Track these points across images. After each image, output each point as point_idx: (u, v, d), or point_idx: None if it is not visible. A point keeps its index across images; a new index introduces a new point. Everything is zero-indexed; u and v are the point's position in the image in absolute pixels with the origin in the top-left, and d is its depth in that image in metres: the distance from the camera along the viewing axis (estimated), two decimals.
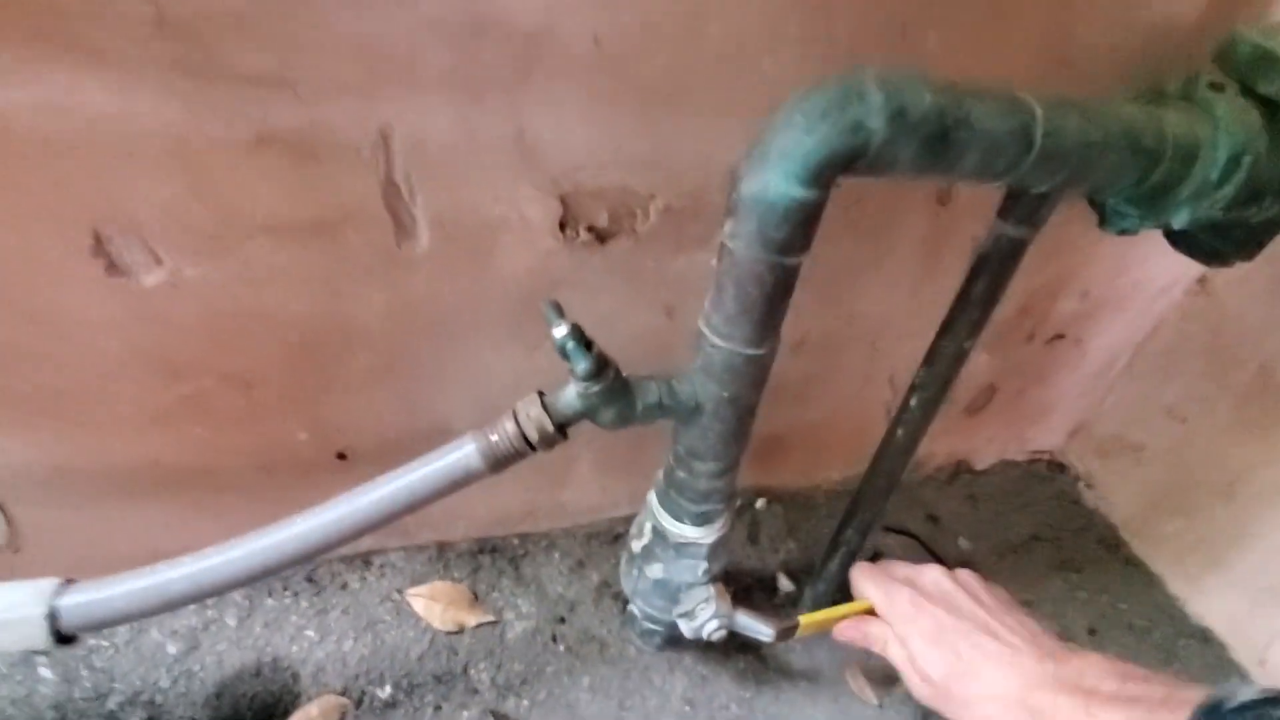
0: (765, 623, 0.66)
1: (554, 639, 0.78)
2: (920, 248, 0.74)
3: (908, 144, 0.43)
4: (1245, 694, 0.35)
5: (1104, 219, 0.59)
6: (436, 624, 0.75)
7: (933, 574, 0.55)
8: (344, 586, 0.77)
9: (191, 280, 0.54)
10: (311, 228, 0.54)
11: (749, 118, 0.44)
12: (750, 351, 0.51)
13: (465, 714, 0.70)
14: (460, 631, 0.76)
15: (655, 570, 0.65)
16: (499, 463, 0.51)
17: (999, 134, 0.45)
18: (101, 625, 0.56)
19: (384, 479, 0.51)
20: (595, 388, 0.49)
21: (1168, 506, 0.98)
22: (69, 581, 0.49)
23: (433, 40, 0.48)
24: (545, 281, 0.62)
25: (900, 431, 0.67)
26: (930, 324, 0.65)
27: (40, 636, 0.47)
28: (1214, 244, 0.62)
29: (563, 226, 0.60)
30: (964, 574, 0.55)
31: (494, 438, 0.51)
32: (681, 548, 0.63)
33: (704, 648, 0.80)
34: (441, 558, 0.81)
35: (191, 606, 0.71)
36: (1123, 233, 0.58)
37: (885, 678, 0.80)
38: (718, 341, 0.51)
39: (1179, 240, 0.65)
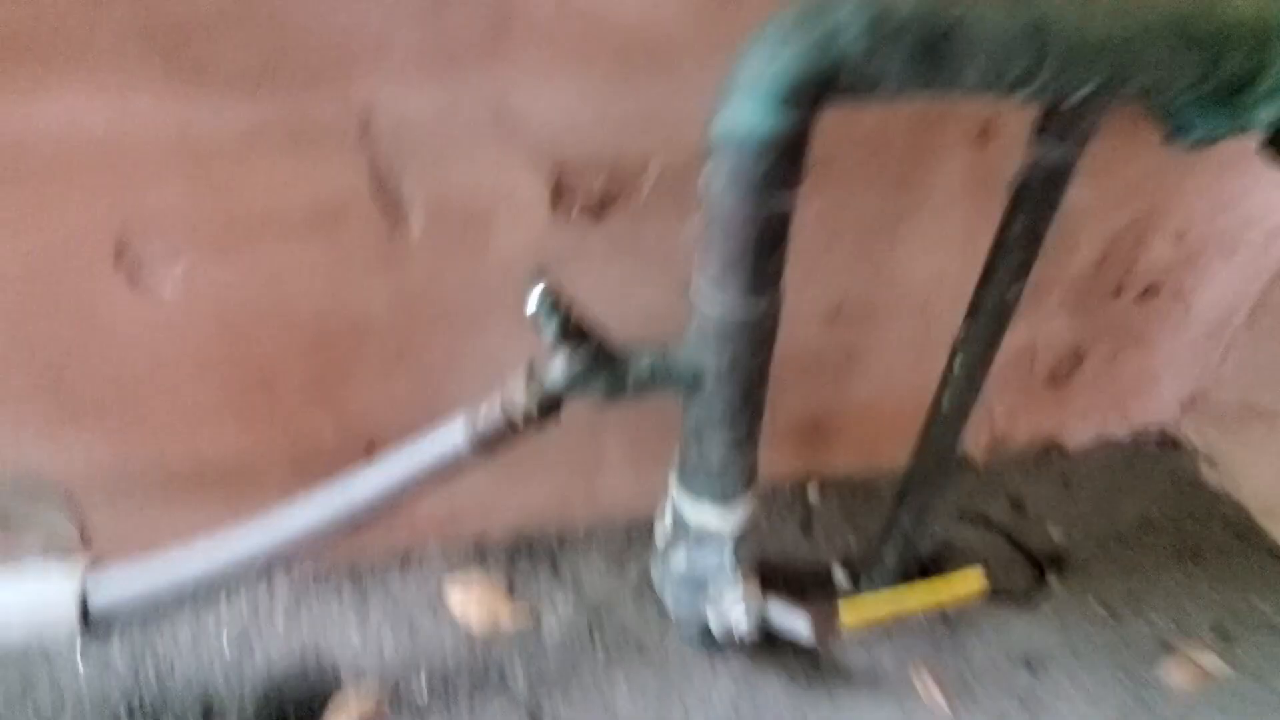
0: (803, 617, 0.60)
1: (591, 637, 0.75)
2: (964, 196, 0.66)
3: (892, 56, 0.38)
4: None
5: (1171, 132, 0.50)
6: (472, 622, 0.75)
7: None
8: (384, 582, 0.77)
9: (204, 281, 0.56)
10: (310, 221, 0.55)
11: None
12: (745, 308, 0.47)
13: (499, 713, 0.68)
14: (495, 628, 0.75)
15: (679, 560, 0.62)
16: (485, 442, 0.49)
17: (1005, 36, 0.39)
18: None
19: (369, 469, 0.51)
20: (578, 357, 0.47)
21: None
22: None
23: (400, 17, 0.48)
24: (546, 260, 0.60)
25: (946, 400, 0.60)
26: None
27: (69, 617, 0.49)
28: None
29: (556, 201, 0.58)
30: None
31: (481, 414, 0.49)
32: (703, 534, 0.59)
33: (752, 648, 0.74)
34: (478, 553, 0.80)
35: (244, 597, 0.74)
36: (1197, 144, 0.49)
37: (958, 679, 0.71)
38: (709, 301, 0.47)
39: (1278, 151, 0.55)
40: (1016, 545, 0.86)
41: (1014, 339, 0.81)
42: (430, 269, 0.59)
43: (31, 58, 0.45)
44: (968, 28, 0.39)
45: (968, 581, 0.61)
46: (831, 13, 0.37)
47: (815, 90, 0.39)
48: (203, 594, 0.53)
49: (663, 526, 0.63)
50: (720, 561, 0.60)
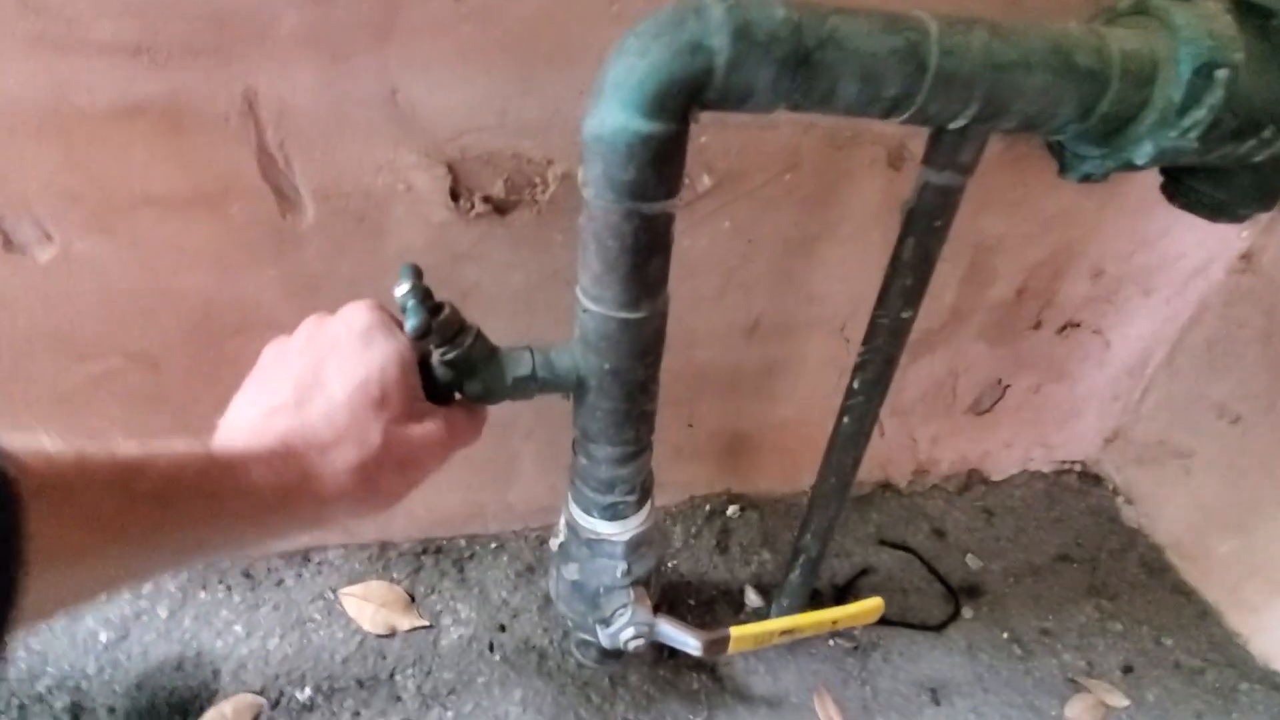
0: (692, 634, 0.59)
1: (491, 647, 0.73)
2: (880, 220, 0.66)
3: (761, 67, 0.38)
4: None
5: (1063, 164, 0.51)
6: (367, 626, 0.72)
7: None
8: (279, 583, 0.75)
9: (83, 255, 0.54)
10: (193, 200, 0.53)
11: None
12: (624, 315, 0.46)
13: None
14: (391, 635, 0.72)
15: (572, 570, 0.60)
16: None
17: (879, 55, 0.39)
18: None
19: None
20: (451, 354, 0.45)
21: (1222, 523, 0.84)
22: None
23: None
24: (445, 256, 0.59)
25: (846, 419, 0.59)
26: None
27: None
28: (1214, 192, 0.53)
29: (455, 197, 0.57)
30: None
31: None
32: (595, 545, 0.58)
33: (653, 664, 0.73)
34: (383, 557, 0.78)
35: (126, 595, 0.71)
36: (1086, 179, 0.50)
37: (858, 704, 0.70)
38: (589, 304, 0.46)
39: (1175, 191, 0.56)
40: (934, 573, 0.85)
41: (933, 366, 0.82)
42: (324, 258, 0.58)
43: None
44: (839, 43, 0.38)
45: (867, 609, 0.60)
46: (697, 19, 0.37)
47: (682, 97, 0.38)
48: None
49: (558, 534, 0.62)
50: (613, 575, 0.58)
